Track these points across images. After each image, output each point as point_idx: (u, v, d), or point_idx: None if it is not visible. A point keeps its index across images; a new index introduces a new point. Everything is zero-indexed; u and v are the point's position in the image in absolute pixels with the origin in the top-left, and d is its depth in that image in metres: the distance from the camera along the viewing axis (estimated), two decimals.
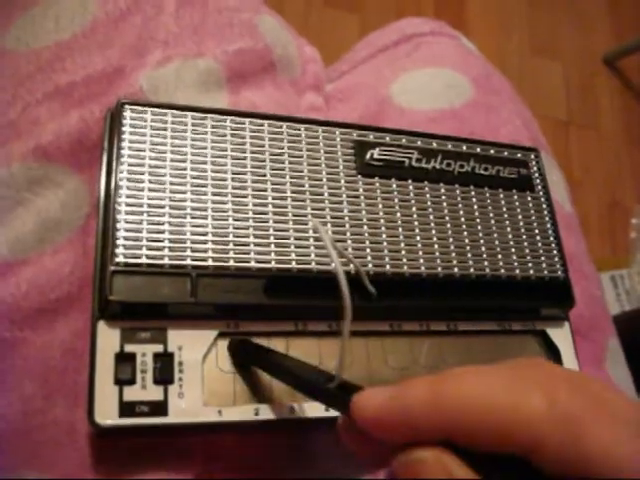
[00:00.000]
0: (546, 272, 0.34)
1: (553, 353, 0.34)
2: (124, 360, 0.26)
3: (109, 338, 0.26)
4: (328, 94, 0.42)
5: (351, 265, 0.30)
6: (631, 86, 1.39)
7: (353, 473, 0.31)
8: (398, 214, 0.32)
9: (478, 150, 0.36)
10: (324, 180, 0.32)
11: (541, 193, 0.37)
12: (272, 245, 0.29)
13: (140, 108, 0.30)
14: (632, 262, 1.11)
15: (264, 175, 0.31)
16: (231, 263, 0.28)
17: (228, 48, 0.35)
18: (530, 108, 0.48)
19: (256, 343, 0.28)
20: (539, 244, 0.35)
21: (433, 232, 0.33)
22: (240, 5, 0.38)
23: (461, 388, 0.20)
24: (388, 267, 0.31)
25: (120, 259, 0.27)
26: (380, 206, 0.32)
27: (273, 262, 0.29)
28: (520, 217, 0.35)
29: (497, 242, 0.34)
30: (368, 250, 0.31)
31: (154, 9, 0.34)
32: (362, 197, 0.32)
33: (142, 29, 0.33)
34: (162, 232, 0.28)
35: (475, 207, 0.34)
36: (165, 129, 0.30)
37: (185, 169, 0.29)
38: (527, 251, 0.34)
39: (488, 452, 0.19)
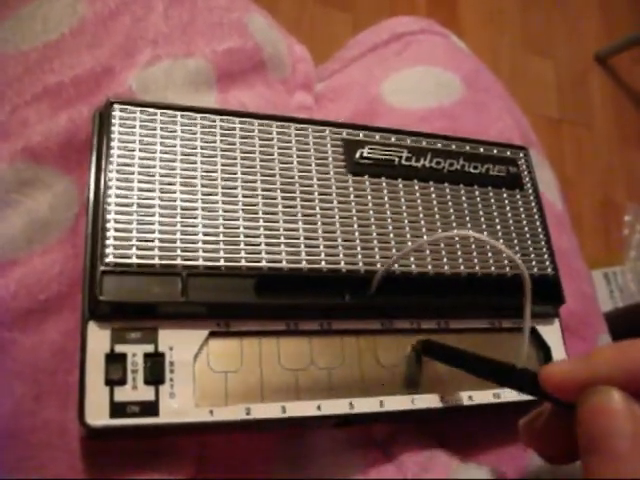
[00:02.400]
0: (536, 269, 0.35)
1: (543, 350, 0.34)
2: (115, 360, 0.26)
3: (99, 338, 0.26)
4: (318, 93, 0.42)
5: (342, 263, 0.30)
6: (623, 83, 1.39)
7: (345, 473, 0.31)
8: (388, 212, 0.32)
9: (467, 148, 0.36)
10: (314, 179, 0.32)
11: (530, 191, 0.37)
12: (262, 244, 0.29)
13: (129, 107, 0.30)
14: (625, 259, 1.11)
15: (254, 174, 0.31)
16: (221, 262, 0.28)
17: (218, 47, 0.35)
18: (522, 106, 0.48)
19: (438, 342, 0.31)
20: (529, 242, 0.35)
21: (423, 230, 0.33)
22: (230, 4, 0.38)
23: None
24: (379, 265, 0.31)
25: (110, 259, 0.27)
26: (370, 204, 0.32)
27: (264, 261, 0.29)
28: (510, 215, 0.35)
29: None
30: (358, 249, 0.31)
31: (143, 9, 0.34)
32: (352, 196, 0.32)
33: (131, 29, 0.33)
34: (152, 232, 0.28)
35: (465, 205, 0.34)
36: (155, 128, 0.30)
37: (175, 169, 0.29)
38: (517, 249, 0.35)
39: None
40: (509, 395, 0.32)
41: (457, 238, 0.33)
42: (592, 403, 0.21)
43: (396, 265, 0.31)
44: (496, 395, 0.32)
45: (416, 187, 0.34)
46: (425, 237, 0.33)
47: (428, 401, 0.31)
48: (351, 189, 0.32)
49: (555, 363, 0.24)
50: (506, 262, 0.34)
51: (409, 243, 0.32)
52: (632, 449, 0.20)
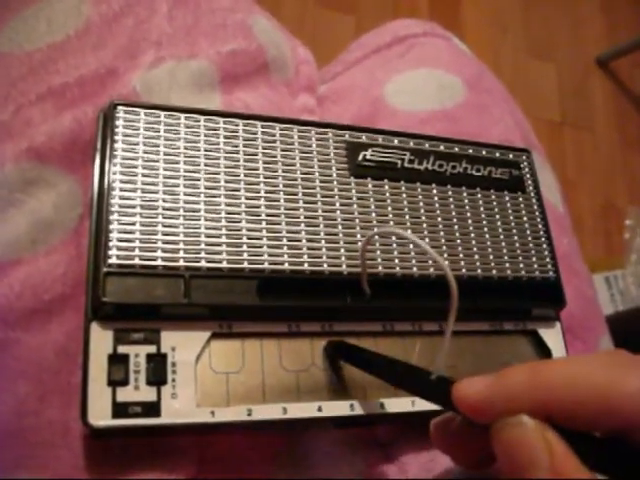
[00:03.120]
0: (537, 272, 0.35)
1: (544, 353, 0.34)
2: (117, 361, 0.26)
3: (102, 339, 0.26)
4: (321, 95, 0.42)
5: (344, 266, 0.30)
6: (624, 87, 1.39)
7: (346, 474, 0.31)
8: (390, 215, 0.32)
9: (470, 151, 0.36)
10: (317, 181, 0.32)
11: (532, 194, 0.37)
12: (265, 246, 0.29)
13: (133, 109, 0.30)
14: (626, 263, 1.11)
15: (257, 176, 0.31)
16: (224, 264, 0.28)
17: (221, 49, 0.35)
18: (524, 109, 0.49)
19: (351, 344, 0.29)
20: (530, 244, 0.35)
21: (425, 233, 0.33)
22: (233, 6, 0.38)
23: (560, 368, 0.21)
24: (380, 268, 0.31)
25: (113, 260, 0.27)
26: (372, 207, 0.32)
27: (266, 263, 0.29)
28: (512, 218, 0.35)
29: (489, 243, 0.34)
30: (360, 251, 0.31)
31: (147, 10, 0.34)
32: (354, 198, 0.32)
33: (135, 30, 0.33)
34: (155, 233, 0.28)
35: (467, 208, 0.34)
36: (158, 130, 0.30)
37: (178, 170, 0.29)
38: (518, 251, 0.35)
39: (584, 431, 0.20)
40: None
41: (394, 238, 0.32)
42: (509, 435, 0.21)
43: (398, 268, 0.31)
44: None
45: (419, 190, 0.34)
46: (428, 240, 0.33)
47: (428, 403, 0.31)
48: (354, 191, 0.32)
49: (467, 381, 0.22)
50: (507, 265, 0.34)
51: (411, 246, 0.32)
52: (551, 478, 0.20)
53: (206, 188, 0.29)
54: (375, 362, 0.28)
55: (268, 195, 0.30)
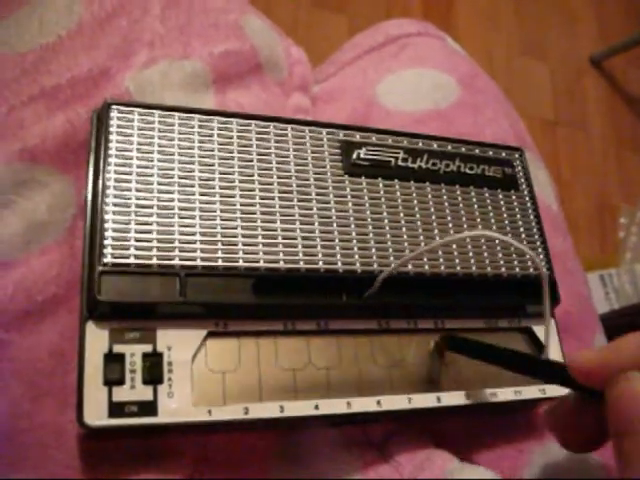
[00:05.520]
0: (531, 270, 0.35)
1: (538, 350, 0.34)
2: (113, 360, 0.26)
3: (98, 339, 0.26)
4: (315, 95, 0.42)
5: (339, 264, 0.31)
6: (618, 86, 1.40)
7: (342, 473, 0.31)
8: (385, 213, 0.33)
9: (463, 150, 0.36)
10: (311, 180, 0.32)
11: (526, 192, 0.37)
12: (260, 245, 0.29)
13: (126, 108, 0.30)
14: (621, 261, 1.12)
15: (251, 175, 0.31)
16: (219, 263, 0.28)
17: (214, 50, 0.35)
18: (518, 108, 0.49)
19: (464, 336, 0.31)
20: (524, 242, 0.35)
21: (420, 231, 0.33)
22: (226, 6, 0.38)
23: None
24: (375, 266, 0.31)
25: (108, 259, 0.27)
26: (367, 205, 0.32)
27: (261, 261, 0.29)
28: (505, 216, 0.36)
29: (483, 240, 0.34)
30: (355, 249, 0.31)
31: (140, 10, 0.34)
32: (349, 196, 0.32)
33: (128, 31, 0.33)
34: (150, 232, 0.28)
35: (461, 206, 0.35)
36: (152, 129, 0.30)
37: (172, 169, 0.29)
38: (512, 249, 0.35)
39: None
40: (505, 394, 0.32)
41: (468, 239, 0.34)
42: (622, 388, 0.23)
43: (393, 265, 0.31)
44: (492, 394, 0.32)
45: (412, 188, 0.34)
46: (422, 237, 0.33)
47: (425, 400, 0.31)
48: (348, 190, 0.32)
49: (581, 352, 0.25)
50: (502, 262, 0.34)
51: (406, 244, 0.32)
52: None
53: (201, 187, 0.29)
54: (493, 352, 0.30)
55: (263, 194, 0.30)
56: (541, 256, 0.36)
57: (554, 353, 0.34)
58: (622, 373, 0.23)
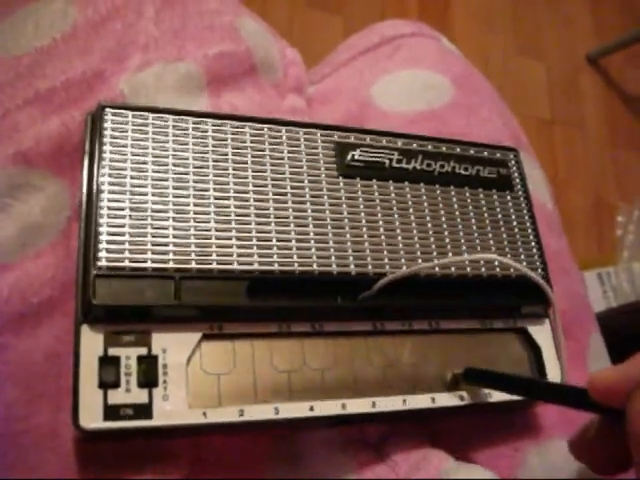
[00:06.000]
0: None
1: (534, 350, 0.34)
2: (108, 363, 0.26)
3: (93, 342, 0.26)
4: (310, 97, 0.42)
5: (334, 266, 0.31)
6: (614, 84, 1.40)
7: (338, 473, 0.31)
8: (379, 215, 0.33)
9: (458, 150, 0.37)
10: (305, 181, 0.32)
11: (520, 192, 0.37)
12: (254, 247, 0.29)
13: (121, 111, 0.30)
14: (618, 260, 1.12)
15: (245, 177, 0.31)
16: (214, 265, 0.28)
17: (209, 52, 0.35)
18: (514, 107, 0.49)
19: (485, 369, 0.32)
20: (519, 243, 0.35)
21: (414, 232, 0.33)
22: (221, 8, 0.38)
23: None
24: (370, 267, 0.31)
25: (103, 263, 0.27)
26: (361, 207, 0.32)
27: (256, 264, 0.29)
28: (500, 216, 0.36)
29: (478, 241, 0.34)
30: (350, 251, 0.31)
31: (134, 13, 0.34)
32: (343, 198, 0.32)
33: (122, 34, 0.34)
34: (144, 235, 0.28)
35: (455, 207, 0.35)
36: (146, 132, 0.30)
37: (167, 172, 0.29)
38: (507, 250, 0.35)
39: None
40: (499, 395, 0.32)
41: (482, 262, 0.34)
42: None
43: (387, 267, 0.32)
44: (488, 395, 0.32)
45: (407, 189, 0.34)
46: (416, 239, 0.33)
47: (420, 401, 0.31)
48: (342, 191, 0.32)
49: (599, 371, 0.25)
50: (496, 263, 0.34)
51: (400, 245, 0.32)
52: None
53: (195, 190, 0.29)
54: (512, 381, 0.31)
55: (257, 196, 0.31)
56: (536, 256, 0.36)
57: (549, 354, 0.34)
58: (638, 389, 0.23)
